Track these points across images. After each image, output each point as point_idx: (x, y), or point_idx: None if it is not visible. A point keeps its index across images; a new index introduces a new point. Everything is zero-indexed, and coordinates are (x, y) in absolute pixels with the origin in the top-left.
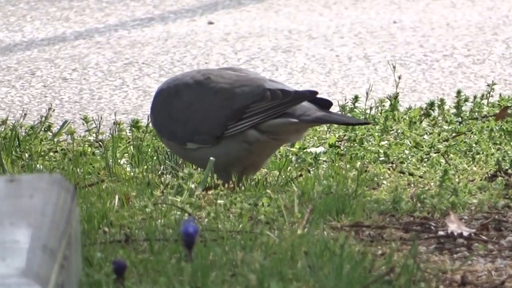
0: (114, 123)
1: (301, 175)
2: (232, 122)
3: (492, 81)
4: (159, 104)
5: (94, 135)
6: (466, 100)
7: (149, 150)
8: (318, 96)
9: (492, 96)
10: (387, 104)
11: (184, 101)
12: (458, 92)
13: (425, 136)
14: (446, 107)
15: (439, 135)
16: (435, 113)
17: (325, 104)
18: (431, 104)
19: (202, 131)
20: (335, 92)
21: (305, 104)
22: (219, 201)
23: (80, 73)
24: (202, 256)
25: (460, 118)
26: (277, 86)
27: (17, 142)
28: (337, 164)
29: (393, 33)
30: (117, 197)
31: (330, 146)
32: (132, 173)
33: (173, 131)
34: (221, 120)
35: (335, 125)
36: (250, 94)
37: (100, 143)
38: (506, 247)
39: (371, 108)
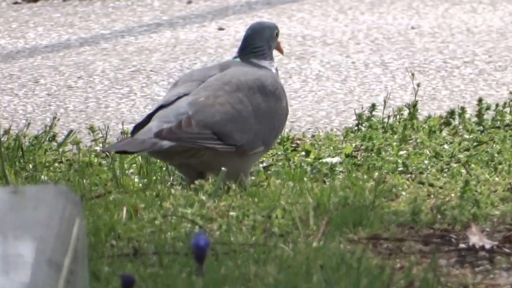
0: (121, 132)
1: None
2: None
3: None
4: None
5: (100, 145)
6: (488, 108)
7: (158, 160)
8: None
9: None
10: (405, 112)
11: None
12: (480, 100)
13: (445, 146)
14: (467, 116)
15: (459, 144)
16: (456, 121)
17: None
18: (452, 113)
19: None
20: (351, 100)
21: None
22: (231, 213)
23: (85, 80)
24: (214, 270)
25: (481, 127)
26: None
27: (21, 153)
28: (353, 175)
29: (411, 39)
30: (125, 209)
31: (347, 156)
32: (140, 184)
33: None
34: None
35: (351, 134)
36: None
37: (107, 153)
38: None
39: (389, 117)
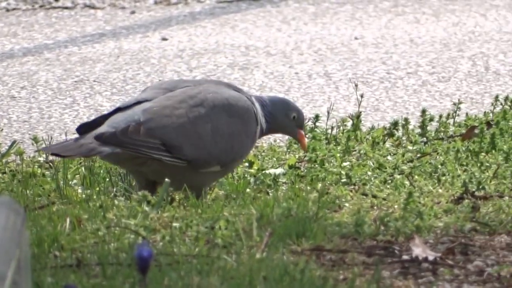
0: None
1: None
2: None
3: (458, 100)
4: None
5: (44, 155)
6: (431, 119)
7: (101, 171)
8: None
9: (458, 115)
10: (349, 123)
11: None
12: (423, 111)
13: (389, 157)
14: (410, 127)
15: (403, 156)
16: (399, 133)
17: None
18: (395, 124)
19: None
20: None
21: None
22: (174, 224)
23: (29, 91)
24: (157, 281)
25: (425, 138)
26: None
27: None
28: (297, 186)
29: (355, 49)
30: (68, 220)
31: (290, 167)
32: (83, 195)
33: None
34: None
35: (295, 145)
36: None
37: (51, 164)
38: (473, 272)
39: (332, 128)
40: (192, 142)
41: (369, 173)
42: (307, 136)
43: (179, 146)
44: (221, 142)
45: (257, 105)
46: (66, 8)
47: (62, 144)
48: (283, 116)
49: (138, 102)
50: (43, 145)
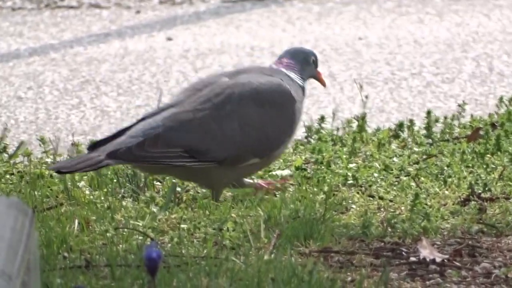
0: (72, 144)
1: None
2: None
3: (463, 101)
4: None
5: (51, 156)
6: (437, 120)
7: (109, 172)
8: None
9: (463, 116)
10: (354, 124)
11: None
12: (428, 113)
13: (395, 159)
14: (415, 128)
15: (409, 157)
16: (405, 134)
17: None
18: (400, 125)
19: None
20: None
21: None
22: (182, 226)
23: (35, 91)
24: (166, 282)
25: (430, 140)
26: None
27: None
28: (304, 188)
29: (359, 50)
30: (76, 221)
31: (297, 168)
32: (91, 196)
33: None
34: None
35: (301, 147)
36: None
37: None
38: (480, 274)
39: (338, 129)
40: (219, 142)
41: (376, 174)
42: (313, 137)
43: (205, 149)
44: (252, 135)
45: (292, 76)
46: (72, 7)
47: (66, 161)
48: (307, 65)
49: (162, 110)
50: (50, 146)
